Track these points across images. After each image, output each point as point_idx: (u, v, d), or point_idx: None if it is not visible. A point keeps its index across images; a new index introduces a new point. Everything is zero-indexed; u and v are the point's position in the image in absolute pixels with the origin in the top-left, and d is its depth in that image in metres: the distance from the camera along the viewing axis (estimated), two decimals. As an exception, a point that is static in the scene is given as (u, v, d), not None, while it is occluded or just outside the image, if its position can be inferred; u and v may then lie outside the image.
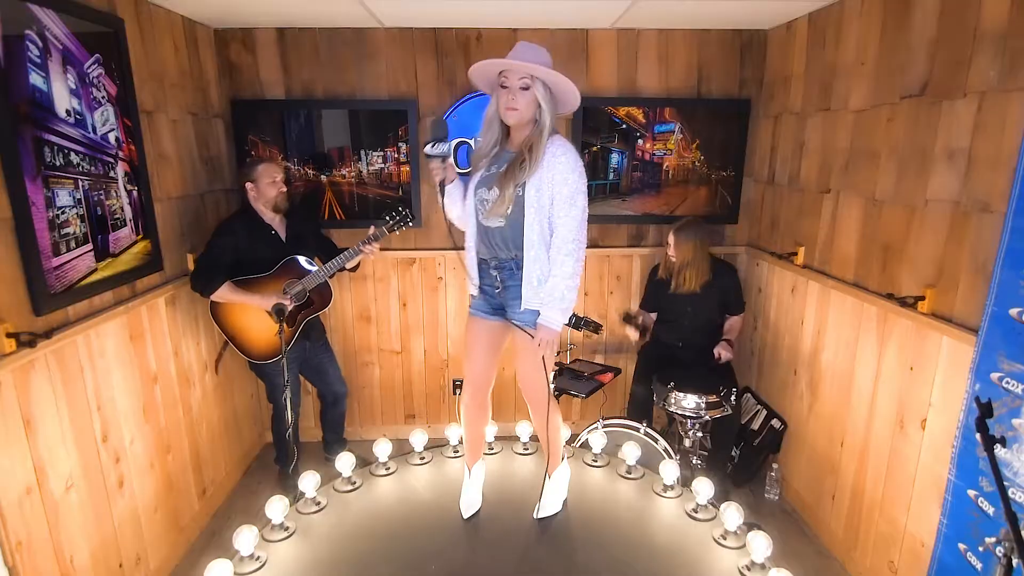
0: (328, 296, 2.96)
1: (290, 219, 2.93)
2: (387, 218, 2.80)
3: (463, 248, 2.13)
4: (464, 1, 2.73)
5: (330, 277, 2.87)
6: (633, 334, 3.15)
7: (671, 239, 3.09)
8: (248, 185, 2.79)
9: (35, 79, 1.91)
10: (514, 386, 3.72)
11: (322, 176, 3.42)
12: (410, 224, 2.82)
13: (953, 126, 2.03)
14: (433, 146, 1.94)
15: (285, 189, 2.85)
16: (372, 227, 2.80)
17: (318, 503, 2.33)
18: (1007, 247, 1.79)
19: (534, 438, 2.64)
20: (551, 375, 2.05)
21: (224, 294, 2.67)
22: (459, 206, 2.09)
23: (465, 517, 2.26)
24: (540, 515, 2.25)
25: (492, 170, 1.96)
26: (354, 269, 3.10)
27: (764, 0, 2.72)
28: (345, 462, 2.47)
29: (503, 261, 2.00)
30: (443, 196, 2.04)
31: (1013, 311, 1.77)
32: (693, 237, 3.06)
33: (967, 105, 1.97)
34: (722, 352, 3.07)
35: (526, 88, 1.85)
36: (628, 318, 3.18)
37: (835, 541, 2.73)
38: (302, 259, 2.84)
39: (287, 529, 2.18)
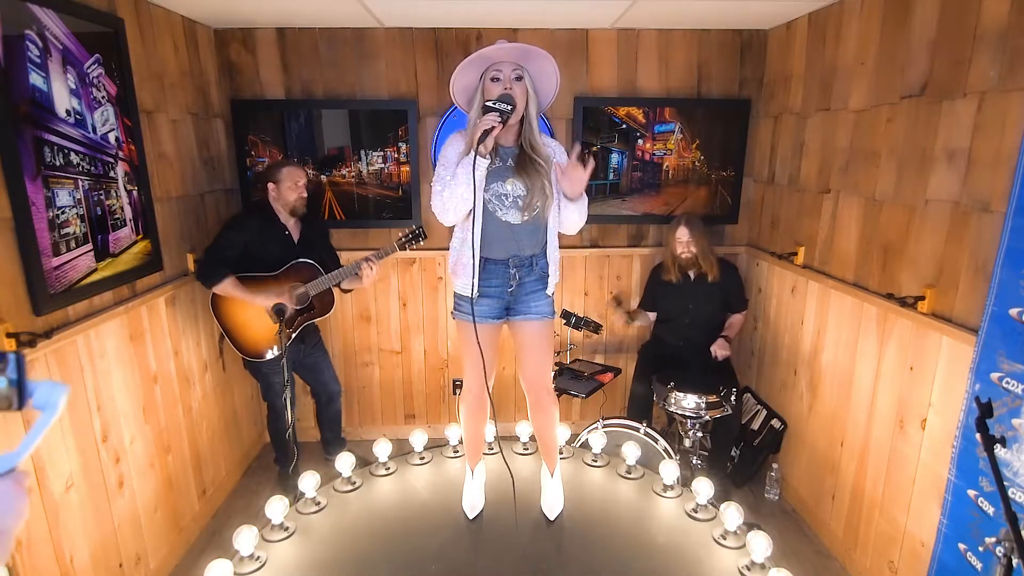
0: (330, 303, 2.97)
1: (304, 223, 2.94)
2: (400, 236, 2.84)
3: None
4: (464, 1, 2.73)
5: (334, 286, 2.89)
6: (621, 317, 3.18)
7: (685, 234, 3.10)
8: (270, 185, 2.80)
9: (35, 79, 1.91)
10: (514, 386, 3.72)
11: (322, 176, 3.42)
12: (422, 241, 2.84)
13: (953, 126, 2.03)
14: (496, 103, 1.78)
15: (305, 195, 2.87)
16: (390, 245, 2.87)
17: (318, 503, 2.33)
18: (1007, 247, 1.79)
19: (534, 438, 2.63)
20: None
21: (227, 288, 2.67)
22: (470, 185, 1.84)
23: (470, 517, 2.26)
24: (553, 516, 2.25)
25: (497, 164, 1.92)
26: (347, 290, 3.12)
27: (764, 0, 2.72)
28: (345, 462, 2.47)
29: (523, 259, 1.98)
30: (475, 155, 1.77)
31: (1013, 311, 1.77)
32: (700, 228, 3.14)
33: (967, 105, 1.97)
34: (718, 351, 3.08)
35: (519, 79, 1.86)
36: (618, 302, 3.21)
37: (835, 541, 2.73)
38: (309, 263, 2.85)
39: (287, 529, 2.18)
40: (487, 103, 1.79)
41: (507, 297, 2.02)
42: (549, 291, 2.05)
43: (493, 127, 1.76)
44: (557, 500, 2.27)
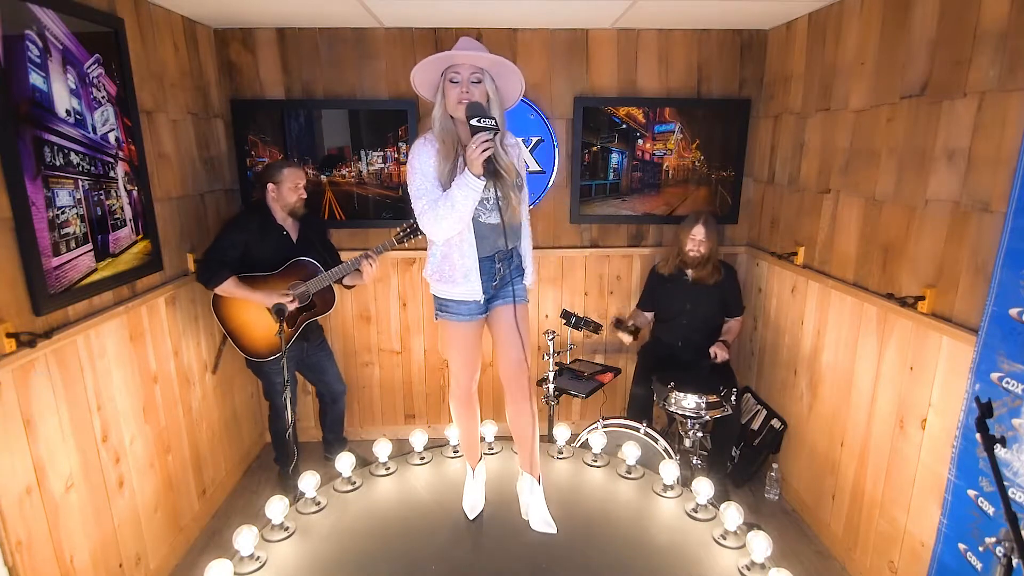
0: (331, 300, 2.97)
1: (302, 222, 2.94)
2: (398, 231, 2.82)
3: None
4: (464, 1, 2.73)
5: (335, 282, 2.89)
6: (626, 338, 3.19)
7: (701, 232, 3.09)
8: (270, 186, 2.80)
9: (35, 79, 1.91)
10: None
11: (322, 176, 3.42)
12: (419, 236, 2.81)
13: (953, 126, 2.03)
14: (480, 120, 1.71)
15: (305, 196, 2.87)
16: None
17: (318, 503, 2.33)
18: (1007, 247, 1.79)
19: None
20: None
21: (228, 288, 2.67)
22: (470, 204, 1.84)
23: (471, 518, 2.26)
24: (554, 529, 2.17)
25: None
26: (350, 287, 3.11)
27: (764, 0, 2.72)
28: (345, 462, 2.47)
29: (506, 252, 2.03)
30: (493, 177, 1.76)
31: (1013, 311, 1.77)
32: (715, 230, 3.13)
33: (967, 105, 1.97)
34: (718, 352, 3.08)
35: (478, 82, 1.85)
36: (618, 323, 3.25)
37: (835, 541, 2.73)
38: (309, 261, 2.85)
39: (287, 529, 2.17)
40: (472, 123, 1.75)
41: (491, 291, 2.05)
42: (527, 280, 2.13)
43: (490, 147, 1.73)
44: (546, 516, 2.16)
